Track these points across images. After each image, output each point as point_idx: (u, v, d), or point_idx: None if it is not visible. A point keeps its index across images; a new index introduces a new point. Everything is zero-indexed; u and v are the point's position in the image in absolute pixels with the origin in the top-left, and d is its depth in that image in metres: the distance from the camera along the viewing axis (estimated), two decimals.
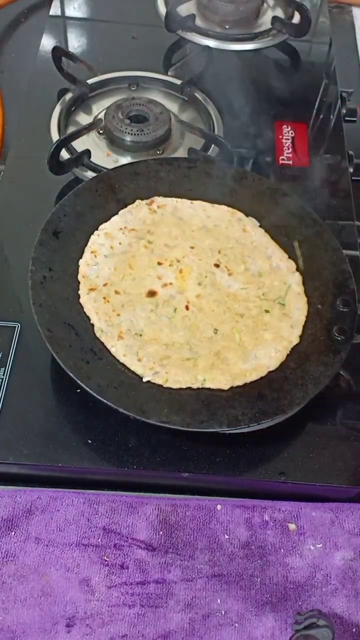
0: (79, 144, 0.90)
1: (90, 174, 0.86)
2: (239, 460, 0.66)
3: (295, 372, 0.68)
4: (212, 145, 0.91)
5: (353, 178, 0.93)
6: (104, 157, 0.91)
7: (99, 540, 0.63)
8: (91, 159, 0.88)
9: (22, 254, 0.73)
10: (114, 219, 0.79)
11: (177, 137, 0.95)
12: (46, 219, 0.75)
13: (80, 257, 0.75)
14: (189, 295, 0.74)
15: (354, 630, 0.60)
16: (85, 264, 0.74)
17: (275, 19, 1.10)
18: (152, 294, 0.74)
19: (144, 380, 0.67)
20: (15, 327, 0.73)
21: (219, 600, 0.61)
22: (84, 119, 0.96)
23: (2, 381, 0.69)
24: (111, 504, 0.65)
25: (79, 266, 0.74)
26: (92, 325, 0.70)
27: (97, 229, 0.77)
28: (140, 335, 0.70)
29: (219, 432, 0.64)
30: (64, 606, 0.59)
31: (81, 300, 0.72)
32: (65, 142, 0.87)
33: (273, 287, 0.75)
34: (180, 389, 0.67)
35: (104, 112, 0.94)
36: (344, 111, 1.01)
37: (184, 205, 0.82)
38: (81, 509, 0.64)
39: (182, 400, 0.66)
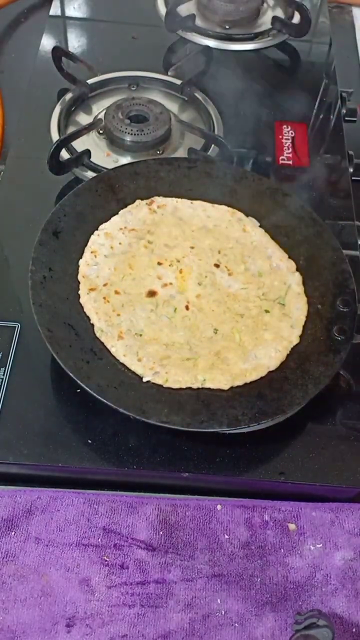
0: (79, 144, 0.90)
1: (90, 174, 0.86)
2: (239, 460, 0.66)
3: (295, 372, 0.68)
4: (212, 145, 0.91)
5: (353, 178, 0.93)
6: (104, 157, 0.91)
7: (99, 540, 0.63)
8: (91, 159, 0.88)
9: (22, 254, 0.73)
10: (114, 219, 0.79)
11: (177, 137, 0.95)
12: (46, 219, 0.75)
13: (80, 257, 0.75)
14: (189, 295, 0.74)
15: (354, 630, 0.60)
16: (85, 264, 0.74)
17: (275, 19, 1.10)
18: (152, 294, 0.74)
19: (144, 380, 0.67)
20: (15, 327, 0.73)
21: (219, 600, 0.61)
22: (84, 119, 0.96)
23: (2, 381, 0.69)
24: (111, 504, 0.65)
25: (79, 266, 0.74)
26: (92, 325, 0.70)
27: (97, 229, 0.77)
28: (140, 335, 0.70)
29: (219, 432, 0.64)
30: (64, 606, 0.59)
31: (81, 300, 0.72)
32: (65, 142, 0.87)
33: (273, 287, 0.75)
34: (180, 389, 0.67)
35: (104, 112, 0.94)
36: (344, 111, 1.01)
37: (184, 205, 0.82)
38: (81, 509, 0.64)
39: (182, 400, 0.66)
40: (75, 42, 1.10)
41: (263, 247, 0.79)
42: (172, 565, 0.62)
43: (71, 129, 0.93)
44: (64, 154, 0.88)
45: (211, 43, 1.07)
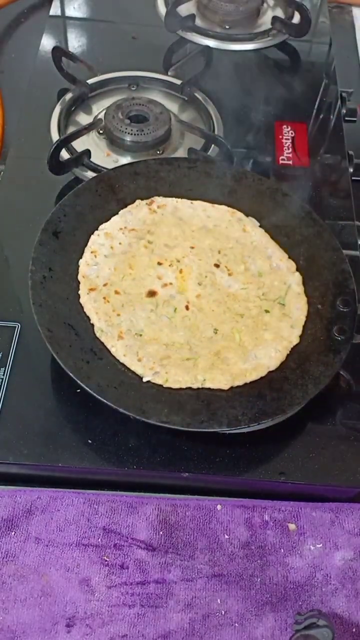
0: (79, 144, 0.90)
1: (90, 174, 0.86)
2: (239, 460, 0.66)
3: (295, 372, 0.68)
4: (212, 145, 0.91)
5: (353, 178, 0.93)
6: (104, 157, 0.91)
7: (99, 540, 0.63)
8: (91, 159, 0.88)
9: (22, 254, 0.73)
10: (114, 219, 0.79)
11: (177, 137, 0.95)
12: (46, 219, 0.75)
13: (80, 257, 0.75)
14: (189, 295, 0.74)
15: (354, 630, 0.60)
16: (85, 264, 0.74)
17: (275, 19, 1.10)
18: (152, 294, 0.74)
19: (144, 380, 0.67)
20: (15, 327, 0.73)
21: (219, 600, 0.61)
22: (84, 119, 0.96)
23: (2, 381, 0.69)
24: (111, 504, 0.65)
25: (79, 266, 0.74)
26: (92, 325, 0.70)
27: (97, 229, 0.77)
28: (140, 335, 0.70)
29: (219, 432, 0.64)
30: (64, 606, 0.59)
31: (81, 300, 0.72)
32: (65, 142, 0.87)
33: (273, 287, 0.75)
34: (180, 389, 0.67)
35: (104, 112, 0.94)
36: (344, 111, 1.01)
37: (184, 205, 0.82)
38: (81, 509, 0.64)
39: (182, 400, 0.66)
40: (75, 42, 1.10)
41: (263, 247, 0.79)
42: (172, 565, 0.62)
43: (71, 129, 0.93)
44: (64, 154, 0.88)
45: (211, 43, 1.07)
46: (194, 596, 0.61)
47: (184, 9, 1.11)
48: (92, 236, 0.77)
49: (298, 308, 0.74)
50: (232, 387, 0.67)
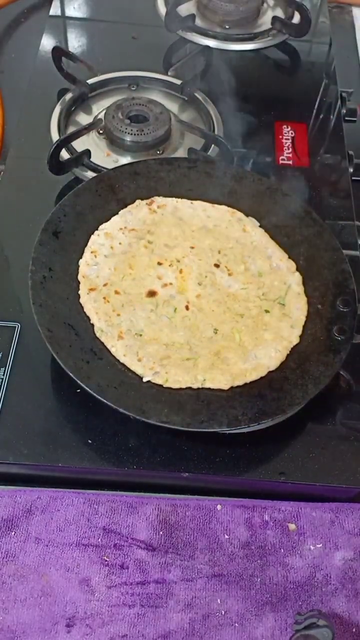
0: (79, 144, 0.90)
1: (90, 174, 0.86)
2: (239, 460, 0.66)
3: (295, 372, 0.68)
4: (212, 145, 0.91)
5: (353, 178, 0.93)
6: (104, 157, 0.91)
7: (99, 540, 0.63)
8: (91, 159, 0.88)
9: (22, 254, 0.73)
10: (114, 219, 0.79)
11: (177, 137, 0.95)
12: (46, 219, 0.75)
13: (80, 257, 0.75)
14: (189, 295, 0.74)
15: (354, 630, 0.60)
16: (85, 264, 0.74)
17: (275, 19, 1.11)
18: (152, 294, 0.74)
19: (144, 380, 0.67)
20: (15, 327, 0.73)
21: (219, 600, 0.61)
22: (84, 119, 0.96)
23: (2, 381, 0.69)
24: (111, 504, 0.65)
25: (79, 266, 0.74)
26: (92, 325, 0.70)
27: (97, 229, 0.77)
28: (140, 335, 0.70)
29: (219, 432, 0.64)
30: (64, 606, 0.59)
31: (81, 300, 0.72)
32: (65, 142, 0.87)
33: (273, 287, 0.75)
34: (180, 389, 0.67)
35: (104, 112, 0.94)
36: (344, 111, 1.01)
37: (184, 205, 0.82)
38: (81, 509, 0.64)
39: (182, 400, 0.66)
40: (75, 42, 1.10)
41: (263, 247, 0.79)
42: (172, 565, 0.62)
43: (71, 129, 0.93)
44: (64, 154, 0.88)
45: (211, 43, 1.07)
46: (194, 596, 0.61)
47: (184, 9, 1.11)
48: (92, 236, 0.77)
49: (298, 308, 0.74)
50: (232, 387, 0.67)
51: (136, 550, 0.62)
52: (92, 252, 0.75)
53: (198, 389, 0.67)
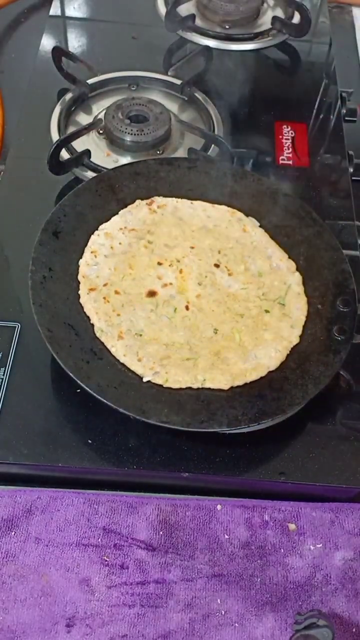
0: (79, 144, 0.90)
1: (90, 174, 0.86)
2: (239, 460, 0.66)
3: (295, 372, 0.68)
4: (212, 145, 0.91)
5: (353, 178, 0.93)
6: (104, 157, 0.91)
7: (99, 540, 0.63)
8: (91, 159, 0.88)
9: (22, 254, 0.73)
10: (114, 219, 0.79)
11: (177, 137, 0.95)
12: (46, 219, 0.75)
13: (80, 257, 0.75)
14: (189, 295, 0.74)
15: (354, 630, 0.60)
16: (85, 264, 0.74)
17: (275, 19, 1.11)
18: (152, 294, 0.74)
19: (144, 380, 0.67)
20: (15, 327, 0.73)
21: (219, 600, 0.61)
22: (84, 119, 0.96)
23: (2, 381, 0.69)
24: (111, 504, 0.65)
25: (79, 266, 0.74)
26: (92, 325, 0.70)
27: (97, 229, 0.77)
28: (140, 335, 0.70)
29: (219, 432, 0.64)
30: (64, 606, 0.59)
31: (81, 300, 0.72)
32: (65, 142, 0.87)
33: (273, 287, 0.75)
34: (180, 389, 0.67)
35: (104, 112, 0.94)
36: (344, 111, 1.01)
37: (184, 205, 0.82)
38: (81, 509, 0.64)
39: (182, 400, 0.66)
40: (75, 42, 1.10)
41: (263, 247, 0.79)
42: (172, 565, 0.62)
43: (71, 129, 0.93)
44: (64, 154, 0.88)
45: (211, 43, 1.07)
46: (194, 596, 0.61)
47: (184, 9, 1.11)
48: (92, 236, 0.77)
49: (298, 308, 0.74)
50: (232, 387, 0.67)
51: (136, 550, 0.62)
52: (92, 252, 0.75)
53: (198, 389, 0.67)
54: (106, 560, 0.62)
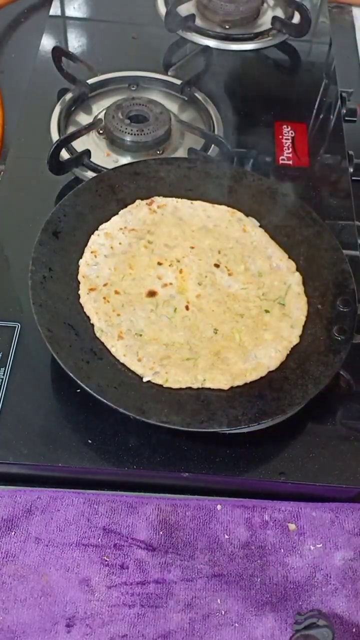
0: (79, 144, 0.90)
1: (90, 174, 0.86)
2: (239, 460, 0.66)
3: (295, 372, 0.68)
4: (212, 145, 0.91)
5: (353, 178, 0.93)
6: (104, 157, 0.91)
7: (99, 540, 0.63)
8: (91, 159, 0.88)
9: (22, 254, 0.73)
10: (114, 219, 0.79)
11: (177, 137, 0.95)
12: (46, 219, 0.75)
13: (80, 257, 0.75)
14: (189, 295, 0.74)
15: (354, 630, 0.60)
16: (85, 264, 0.74)
17: (275, 19, 1.11)
18: (152, 294, 0.74)
19: (144, 380, 0.67)
20: (15, 327, 0.73)
21: (219, 600, 0.61)
22: (84, 119, 0.96)
23: (2, 381, 0.69)
24: (111, 504, 0.65)
25: (79, 266, 0.74)
26: (92, 325, 0.70)
27: (97, 229, 0.77)
28: (140, 335, 0.70)
29: (219, 432, 0.64)
30: (64, 606, 0.59)
31: (81, 300, 0.72)
32: (65, 142, 0.87)
33: (273, 287, 0.75)
34: (180, 389, 0.67)
35: (104, 112, 0.94)
36: (344, 111, 1.01)
37: (184, 205, 0.82)
38: (81, 509, 0.64)
39: (182, 400, 0.66)
40: (75, 42, 1.10)
41: (263, 247, 0.79)
42: (172, 565, 0.62)
43: (71, 129, 0.93)
44: (64, 154, 0.88)
45: (211, 43, 1.07)
46: (194, 596, 0.61)
47: (184, 9, 1.11)
48: (92, 236, 0.77)
49: (298, 308, 0.74)
50: (232, 387, 0.67)
51: (136, 550, 0.62)
52: (92, 252, 0.75)
53: (198, 389, 0.67)
54: (106, 560, 0.62)
